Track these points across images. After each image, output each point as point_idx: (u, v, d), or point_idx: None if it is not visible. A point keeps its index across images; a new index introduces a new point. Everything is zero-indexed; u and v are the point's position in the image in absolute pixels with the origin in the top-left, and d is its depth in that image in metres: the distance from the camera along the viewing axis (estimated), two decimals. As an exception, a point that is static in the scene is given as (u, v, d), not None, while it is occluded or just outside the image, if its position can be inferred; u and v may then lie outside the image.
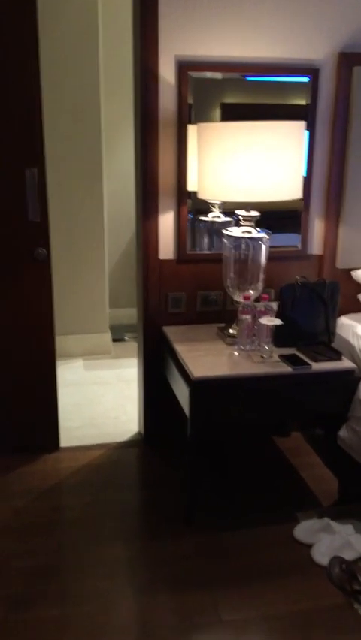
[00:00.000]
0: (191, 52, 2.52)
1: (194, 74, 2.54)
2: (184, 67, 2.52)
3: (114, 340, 4.20)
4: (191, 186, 2.62)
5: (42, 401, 2.82)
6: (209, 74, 2.58)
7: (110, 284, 4.26)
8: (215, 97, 2.63)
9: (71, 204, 3.81)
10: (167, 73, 2.52)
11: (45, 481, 2.66)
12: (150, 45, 2.48)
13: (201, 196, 2.45)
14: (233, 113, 2.63)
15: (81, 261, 3.93)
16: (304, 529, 2.30)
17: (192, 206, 2.67)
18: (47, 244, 2.64)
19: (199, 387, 2.23)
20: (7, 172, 2.53)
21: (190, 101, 2.55)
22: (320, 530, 2.27)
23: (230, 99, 2.67)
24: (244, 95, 2.70)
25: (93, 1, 3.58)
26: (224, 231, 2.49)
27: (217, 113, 2.64)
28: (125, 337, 4.31)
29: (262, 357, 2.37)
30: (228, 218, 2.68)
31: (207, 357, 2.38)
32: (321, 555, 2.17)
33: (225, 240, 2.48)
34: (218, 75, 2.59)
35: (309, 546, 2.23)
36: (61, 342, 3.93)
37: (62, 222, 3.78)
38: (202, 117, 2.59)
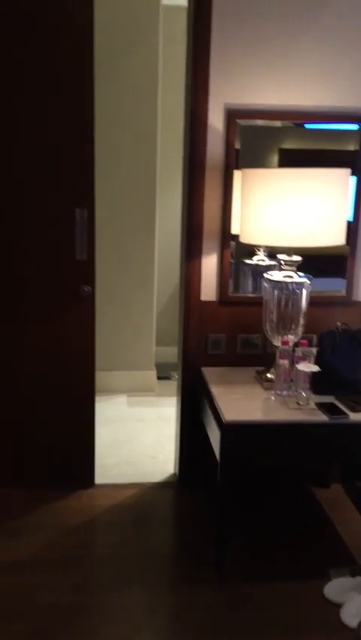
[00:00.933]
0: (239, 101, 2.58)
1: (242, 122, 2.60)
2: (233, 114, 2.58)
3: (160, 378, 4.22)
4: (235, 229, 2.65)
5: (80, 436, 2.85)
6: (260, 121, 2.62)
7: (159, 322, 4.31)
8: (268, 143, 2.67)
9: (125, 244, 3.91)
10: (216, 120, 2.58)
11: (77, 516, 2.67)
12: (200, 94, 2.56)
13: (243, 240, 2.47)
14: (288, 159, 2.67)
15: (131, 299, 4.00)
16: (336, 587, 2.21)
17: (236, 248, 2.69)
18: (92, 282, 2.70)
19: (230, 430, 2.20)
20: (58, 211, 2.63)
21: (237, 146, 2.60)
22: (352, 589, 2.17)
23: (287, 145, 2.70)
24: (300, 140, 2.73)
25: (154, 55, 3.74)
26: (265, 275, 2.49)
27: (271, 158, 2.68)
28: (171, 376, 4.32)
29: (298, 403, 2.32)
30: (272, 262, 2.68)
31: (242, 401, 2.36)
32: (350, 616, 2.06)
33: (265, 284, 2.48)
34: (274, 122, 2.63)
35: (339, 605, 2.13)
36: (106, 377, 4.01)
37: (114, 260, 3.88)
38: (252, 163, 2.62)
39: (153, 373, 4.16)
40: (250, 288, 2.78)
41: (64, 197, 2.62)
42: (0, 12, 2.44)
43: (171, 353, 4.33)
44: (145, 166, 3.86)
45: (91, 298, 2.72)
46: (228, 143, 2.60)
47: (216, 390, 2.45)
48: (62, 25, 2.48)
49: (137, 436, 3.45)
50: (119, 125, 3.77)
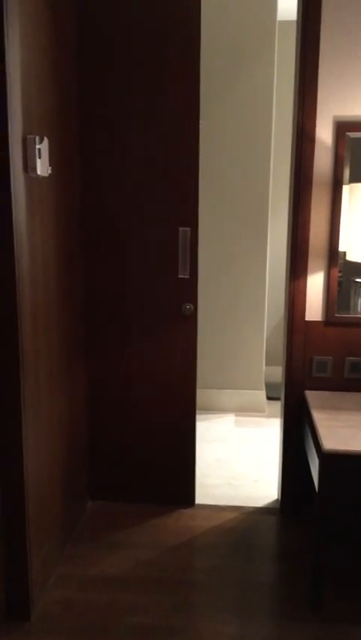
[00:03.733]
0: (349, 113, 2.46)
1: (352, 134, 2.48)
2: (342, 127, 2.47)
3: (270, 398, 4.12)
4: (344, 247, 2.52)
5: (181, 455, 2.83)
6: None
7: (270, 341, 4.22)
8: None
9: (237, 263, 3.88)
10: (324, 134, 2.48)
11: (175, 536, 2.65)
12: (308, 107, 2.48)
13: (350, 258, 2.34)
14: None
15: (242, 317, 3.96)
16: None
17: (344, 266, 2.56)
18: (194, 300, 2.69)
19: (330, 460, 2.07)
20: (162, 231, 2.65)
21: (347, 160, 2.48)
22: None
23: None
24: None
25: (269, 72, 3.69)
26: (374, 295, 2.34)
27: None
28: (282, 396, 4.19)
29: None
30: (384, 281, 2.52)
31: (345, 429, 2.22)
32: None
33: (374, 305, 2.33)
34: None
35: None
36: (216, 395, 3.99)
37: (225, 279, 3.86)
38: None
39: (263, 393, 4.06)
40: (359, 308, 2.63)
41: (169, 217, 2.64)
42: (110, 37, 2.52)
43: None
44: (258, 185, 3.80)
45: (193, 316, 2.71)
46: (337, 156, 2.49)
47: (317, 416, 2.32)
48: (173, 43, 2.51)
49: (241, 457, 3.37)
50: (234, 144, 3.75)
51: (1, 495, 2.04)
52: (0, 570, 2.06)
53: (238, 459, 3.36)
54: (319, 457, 2.11)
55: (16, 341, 1.94)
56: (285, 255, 4.07)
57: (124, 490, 2.89)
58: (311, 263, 2.58)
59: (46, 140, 2.07)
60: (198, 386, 2.92)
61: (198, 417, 2.88)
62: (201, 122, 2.59)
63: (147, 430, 2.83)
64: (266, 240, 3.88)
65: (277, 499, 2.91)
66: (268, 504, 2.90)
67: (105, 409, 2.83)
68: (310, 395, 2.55)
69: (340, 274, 2.57)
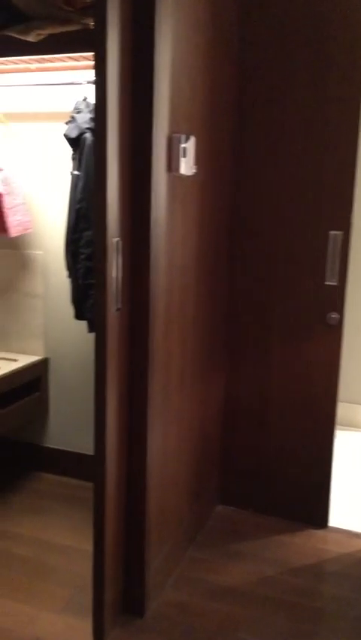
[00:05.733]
0: None
1: None
2: None
3: None
4: None
5: (317, 472, 2.67)
6: None
7: None
8: None
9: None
10: None
11: (302, 557, 2.50)
12: None
13: None
14: None
15: None
16: None
17: None
18: (341, 309, 2.53)
19: None
20: (310, 234, 2.52)
21: None
22: None
23: None
24: None
25: None
26: None
27: None
28: None
29: None
30: None
31: None
32: None
33: None
34: None
35: None
36: (347, 410, 3.73)
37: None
38: None
39: None
40: None
41: (319, 220, 2.50)
42: (274, 35, 2.45)
43: None
44: None
45: (339, 326, 2.54)
46: None
47: None
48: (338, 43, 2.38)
49: (386, 483, 3.12)
50: None
51: (126, 491, 2.06)
52: (119, 564, 2.09)
53: (381, 483, 3.11)
54: None
55: (146, 339, 1.95)
56: None
57: (255, 499, 2.80)
58: None
59: (192, 139, 2.05)
60: (339, 400, 2.73)
61: (338, 433, 2.71)
62: None
63: (282, 442, 2.71)
64: None
65: None
66: None
67: (240, 417, 2.76)
68: None
69: None
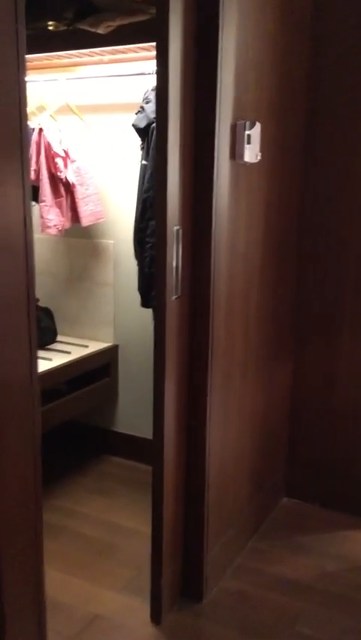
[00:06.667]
0: None
1: None
2: None
3: None
4: None
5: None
6: None
7: None
8: None
9: None
10: None
11: (367, 554, 2.45)
12: None
13: None
14: None
15: None
16: None
17: None
18: None
19: None
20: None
21: None
22: None
23: None
24: None
25: None
26: None
27: None
28: None
29: None
30: None
31: None
32: None
33: None
34: None
35: None
36: None
37: None
38: None
39: None
40: None
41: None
42: (350, 23, 2.37)
43: None
44: None
45: None
46: None
47: None
48: None
49: None
50: None
51: (184, 477, 2.08)
52: (178, 548, 2.12)
53: None
54: None
55: (207, 327, 1.95)
56: None
57: (321, 493, 2.75)
58: None
59: (258, 125, 2.02)
60: None
61: None
62: None
63: (352, 436, 2.65)
64: None
65: None
66: None
67: (308, 407, 2.71)
68: None
69: None
